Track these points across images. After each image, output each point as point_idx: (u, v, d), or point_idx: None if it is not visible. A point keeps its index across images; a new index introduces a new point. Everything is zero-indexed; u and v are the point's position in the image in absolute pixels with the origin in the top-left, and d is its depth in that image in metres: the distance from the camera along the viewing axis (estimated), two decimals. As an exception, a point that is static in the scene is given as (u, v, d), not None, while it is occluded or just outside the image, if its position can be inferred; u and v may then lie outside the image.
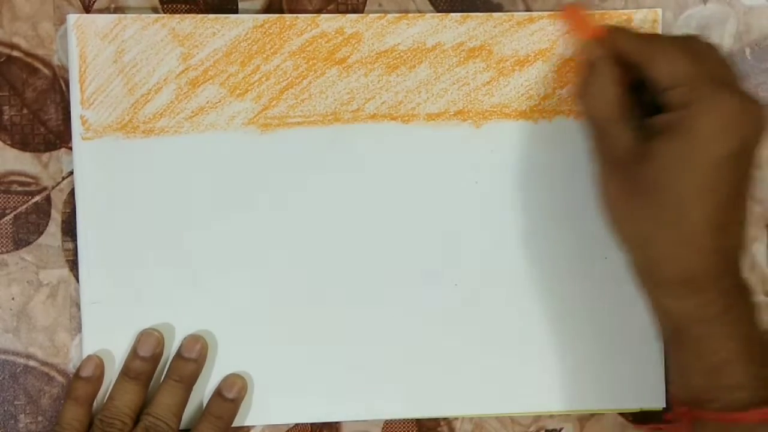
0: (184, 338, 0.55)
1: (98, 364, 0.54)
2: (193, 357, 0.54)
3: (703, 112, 0.46)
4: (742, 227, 0.48)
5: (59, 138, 0.55)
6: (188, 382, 0.54)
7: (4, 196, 0.55)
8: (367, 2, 0.56)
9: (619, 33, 0.51)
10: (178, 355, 0.54)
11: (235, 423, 0.55)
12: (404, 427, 0.57)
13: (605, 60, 0.50)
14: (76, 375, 0.54)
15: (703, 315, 0.47)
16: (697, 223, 0.46)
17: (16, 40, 0.55)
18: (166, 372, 0.55)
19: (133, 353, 0.54)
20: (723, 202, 0.46)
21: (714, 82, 0.47)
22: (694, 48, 0.48)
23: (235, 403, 0.54)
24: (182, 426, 0.54)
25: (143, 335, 0.54)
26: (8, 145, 0.55)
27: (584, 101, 0.50)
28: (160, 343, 0.54)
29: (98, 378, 0.54)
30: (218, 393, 0.55)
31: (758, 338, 0.48)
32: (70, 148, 0.55)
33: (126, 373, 0.54)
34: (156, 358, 0.54)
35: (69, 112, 0.54)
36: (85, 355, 0.55)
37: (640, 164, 0.47)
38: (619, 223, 0.49)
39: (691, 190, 0.46)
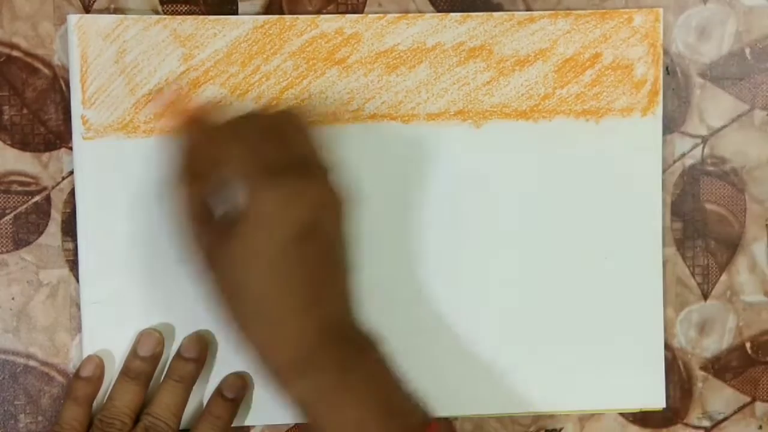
0: (184, 338, 0.55)
1: (98, 364, 0.54)
2: (193, 357, 0.54)
3: (254, 205, 0.45)
4: (342, 293, 0.49)
5: (59, 138, 0.55)
6: (188, 382, 0.54)
7: (4, 196, 0.55)
8: (367, 2, 0.56)
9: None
10: (178, 355, 0.54)
11: (235, 423, 0.55)
12: (404, 427, 0.57)
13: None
14: (76, 375, 0.54)
15: (324, 388, 0.46)
16: (284, 313, 0.46)
17: (16, 39, 0.55)
18: (166, 372, 0.55)
19: (133, 353, 0.54)
20: (306, 282, 0.46)
21: (263, 172, 0.46)
22: (244, 133, 0.47)
23: (235, 403, 0.54)
24: (182, 426, 0.54)
25: (143, 335, 0.54)
26: (8, 145, 0.55)
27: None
28: (160, 343, 0.54)
29: (98, 378, 0.54)
30: (218, 393, 0.55)
31: (388, 393, 0.48)
32: (70, 148, 0.55)
33: (126, 373, 0.54)
34: (156, 358, 0.54)
35: (69, 112, 0.54)
36: (85, 355, 0.55)
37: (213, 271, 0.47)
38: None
39: (265, 282, 0.46)
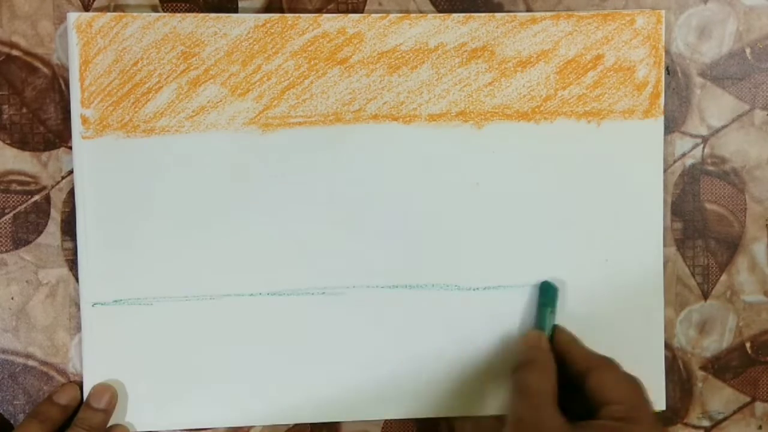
0: (93, 386, 0.54)
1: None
2: (102, 407, 0.54)
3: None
4: None
5: (58, 137, 0.55)
6: None
7: (4, 195, 0.55)
8: (367, 2, 0.56)
9: (570, 343, 0.54)
10: (87, 404, 0.54)
11: (235, 423, 0.55)
12: (404, 427, 0.57)
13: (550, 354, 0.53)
14: (87, 404, 0.54)
15: None
16: None
17: (15, 39, 0.55)
18: (75, 421, 0.54)
19: (50, 400, 0.54)
20: None
21: (649, 408, 0.50)
22: (631, 379, 0.51)
23: (105, 413, 0.54)
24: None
25: (65, 388, 0.55)
26: (8, 144, 0.55)
27: (526, 377, 0.51)
28: (76, 399, 0.54)
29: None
30: (87, 403, 0.54)
31: None
32: (70, 148, 0.55)
33: (35, 416, 0.53)
34: (68, 410, 0.54)
35: (68, 112, 0.54)
36: (84, 355, 0.55)
37: None
38: None
39: None
